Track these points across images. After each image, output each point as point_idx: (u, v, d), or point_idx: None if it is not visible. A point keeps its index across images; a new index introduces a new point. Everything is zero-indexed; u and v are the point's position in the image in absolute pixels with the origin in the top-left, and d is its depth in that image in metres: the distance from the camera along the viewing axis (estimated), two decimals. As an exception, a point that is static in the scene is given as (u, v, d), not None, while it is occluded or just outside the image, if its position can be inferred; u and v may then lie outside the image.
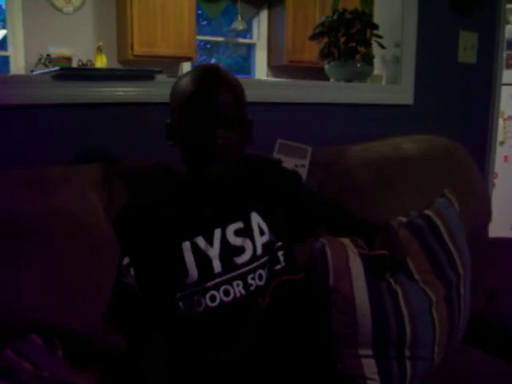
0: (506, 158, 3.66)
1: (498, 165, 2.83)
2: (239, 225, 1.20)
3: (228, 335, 1.13)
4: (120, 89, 1.51)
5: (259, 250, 1.19)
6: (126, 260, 1.16)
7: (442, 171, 1.75)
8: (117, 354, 1.15)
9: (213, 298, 1.14)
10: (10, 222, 1.08)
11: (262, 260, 1.19)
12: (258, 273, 1.18)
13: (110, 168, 1.33)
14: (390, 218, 1.43)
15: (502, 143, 3.54)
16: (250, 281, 1.16)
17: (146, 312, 1.16)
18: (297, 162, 1.59)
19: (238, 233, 1.19)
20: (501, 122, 2.83)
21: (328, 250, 1.21)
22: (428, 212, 1.42)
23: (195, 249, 1.16)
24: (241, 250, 1.18)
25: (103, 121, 1.50)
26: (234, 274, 1.16)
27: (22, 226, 1.09)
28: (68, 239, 1.12)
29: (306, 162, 1.60)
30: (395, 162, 1.70)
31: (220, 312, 1.14)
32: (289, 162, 1.57)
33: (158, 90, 1.57)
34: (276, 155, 1.59)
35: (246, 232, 1.20)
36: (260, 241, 1.20)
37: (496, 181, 2.98)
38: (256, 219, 1.22)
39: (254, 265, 1.18)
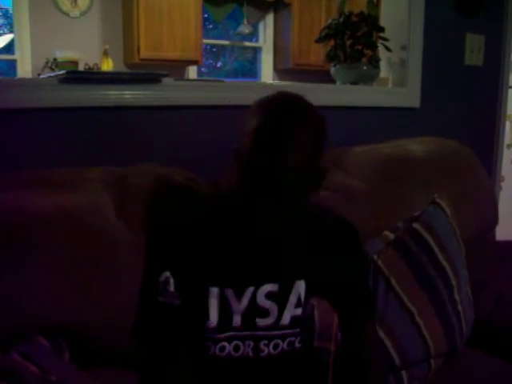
0: (512, 161, 3.64)
1: (505, 168, 2.82)
2: (274, 287, 1.07)
3: None
4: (127, 92, 1.51)
5: (285, 321, 1.08)
6: (166, 275, 1.05)
7: (449, 173, 1.75)
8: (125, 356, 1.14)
9: (222, 349, 1.06)
10: (18, 222, 1.08)
11: (285, 331, 1.08)
12: (274, 342, 1.07)
13: (118, 171, 1.33)
14: (394, 220, 1.43)
15: (509, 146, 3.51)
16: (262, 346, 1.07)
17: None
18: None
19: (269, 295, 1.07)
20: (508, 124, 2.82)
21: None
22: (416, 226, 1.40)
23: (222, 298, 1.06)
24: (265, 313, 1.07)
25: (109, 124, 1.50)
26: (249, 333, 1.06)
27: (29, 227, 1.09)
28: (75, 241, 1.12)
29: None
30: (401, 164, 1.69)
31: (227, 364, 1.06)
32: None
33: (165, 93, 1.57)
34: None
35: (279, 297, 1.08)
36: (291, 312, 1.08)
37: (503, 184, 2.95)
38: (300, 289, 1.08)
39: (273, 332, 1.07)
